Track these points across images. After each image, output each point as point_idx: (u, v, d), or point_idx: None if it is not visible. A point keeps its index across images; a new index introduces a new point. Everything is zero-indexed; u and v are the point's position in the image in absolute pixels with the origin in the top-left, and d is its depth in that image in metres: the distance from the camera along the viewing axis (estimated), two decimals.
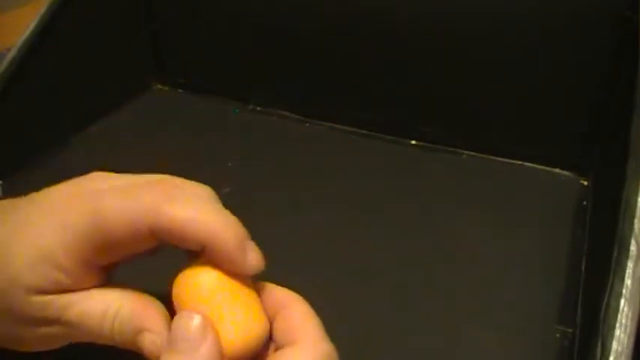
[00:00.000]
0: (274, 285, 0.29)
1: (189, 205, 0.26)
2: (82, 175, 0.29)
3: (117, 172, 0.29)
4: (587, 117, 0.59)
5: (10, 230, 0.26)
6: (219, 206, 0.27)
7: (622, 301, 0.33)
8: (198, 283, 0.26)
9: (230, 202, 0.58)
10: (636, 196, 0.37)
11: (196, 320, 0.24)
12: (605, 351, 0.31)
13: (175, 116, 0.73)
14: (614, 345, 0.31)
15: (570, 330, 0.44)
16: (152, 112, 0.74)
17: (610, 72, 0.56)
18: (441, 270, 0.50)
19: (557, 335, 0.44)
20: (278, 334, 0.27)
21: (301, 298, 0.29)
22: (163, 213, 0.25)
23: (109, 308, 0.26)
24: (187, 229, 0.25)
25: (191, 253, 0.27)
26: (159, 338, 0.25)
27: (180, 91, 0.78)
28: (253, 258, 0.27)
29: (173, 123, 0.72)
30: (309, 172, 0.62)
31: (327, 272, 0.50)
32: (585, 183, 0.60)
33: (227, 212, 0.27)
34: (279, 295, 0.28)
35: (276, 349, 0.27)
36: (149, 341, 0.25)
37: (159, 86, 0.78)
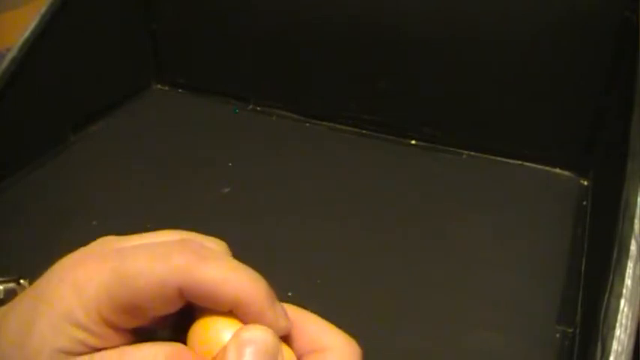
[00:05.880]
0: (314, 317, 0.27)
1: (219, 265, 0.25)
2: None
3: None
4: (587, 117, 0.59)
5: (31, 303, 0.25)
6: (240, 263, 0.26)
7: (622, 302, 0.33)
8: (222, 333, 0.25)
9: (230, 202, 0.59)
10: (636, 196, 0.37)
11: (270, 332, 0.23)
12: (605, 351, 0.31)
13: (175, 116, 0.73)
14: (614, 345, 0.31)
15: (570, 330, 0.44)
16: (152, 112, 0.74)
17: (610, 72, 0.56)
18: (440, 270, 0.50)
19: (557, 335, 0.44)
20: (301, 341, 0.26)
21: (347, 341, 0.26)
22: (195, 273, 0.24)
23: None
24: (220, 290, 0.24)
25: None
26: None
27: (180, 91, 0.78)
28: (281, 316, 0.26)
29: (173, 123, 0.72)
30: (309, 172, 0.62)
31: (326, 271, 0.50)
32: (585, 183, 0.60)
33: (252, 270, 0.26)
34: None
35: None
36: None
37: (159, 86, 0.78)
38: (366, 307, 0.47)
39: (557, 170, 0.62)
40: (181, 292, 0.24)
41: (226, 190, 0.59)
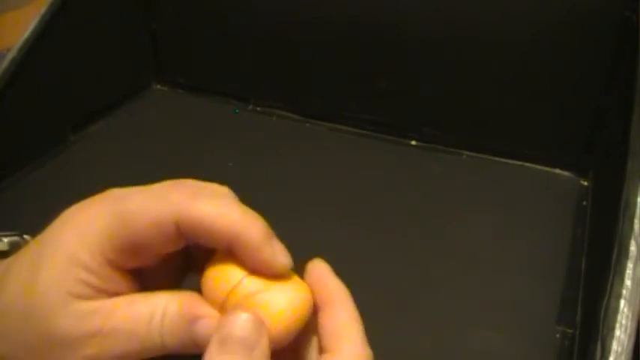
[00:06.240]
0: (328, 272, 0.29)
1: (215, 202, 0.25)
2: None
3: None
4: (587, 117, 0.59)
5: (36, 251, 0.25)
6: (241, 203, 0.27)
7: (622, 302, 0.33)
8: (229, 278, 0.25)
9: None
10: (636, 196, 0.37)
11: (251, 319, 0.23)
12: (605, 351, 0.31)
13: (175, 116, 0.73)
14: (614, 345, 0.31)
15: (570, 330, 0.44)
16: (152, 112, 0.74)
17: (610, 72, 0.56)
18: (440, 270, 0.50)
19: (557, 335, 0.44)
20: (322, 331, 0.27)
21: (349, 294, 0.28)
22: (191, 209, 0.25)
23: (156, 309, 0.25)
24: (215, 224, 0.25)
25: (210, 252, 0.27)
26: (217, 322, 0.24)
27: (180, 91, 0.78)
28: (280, 253, 0.26)
29: (173, 123, 0.72)
30: (309, 172, 0.62)
31: None
32: (585, 183, 0.60)
33: (250, 209, 0.26)
34: (331, 286, 0.28)
35: (320, 349, 0.27)
36: (206, 327, 0.24)
37: (159, 86, 0.78)
38: (366, 307, 0.47)
39: (557, 170, 0.62)
40: (179, 229, 0.25)
41: None
